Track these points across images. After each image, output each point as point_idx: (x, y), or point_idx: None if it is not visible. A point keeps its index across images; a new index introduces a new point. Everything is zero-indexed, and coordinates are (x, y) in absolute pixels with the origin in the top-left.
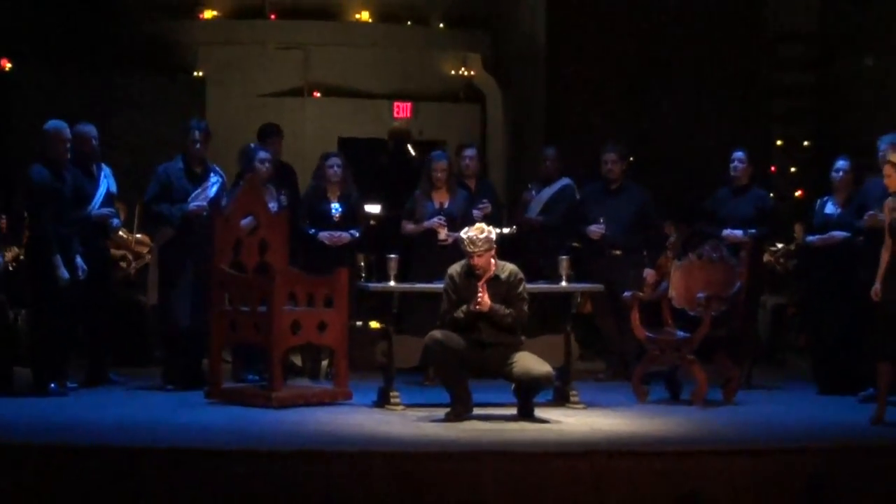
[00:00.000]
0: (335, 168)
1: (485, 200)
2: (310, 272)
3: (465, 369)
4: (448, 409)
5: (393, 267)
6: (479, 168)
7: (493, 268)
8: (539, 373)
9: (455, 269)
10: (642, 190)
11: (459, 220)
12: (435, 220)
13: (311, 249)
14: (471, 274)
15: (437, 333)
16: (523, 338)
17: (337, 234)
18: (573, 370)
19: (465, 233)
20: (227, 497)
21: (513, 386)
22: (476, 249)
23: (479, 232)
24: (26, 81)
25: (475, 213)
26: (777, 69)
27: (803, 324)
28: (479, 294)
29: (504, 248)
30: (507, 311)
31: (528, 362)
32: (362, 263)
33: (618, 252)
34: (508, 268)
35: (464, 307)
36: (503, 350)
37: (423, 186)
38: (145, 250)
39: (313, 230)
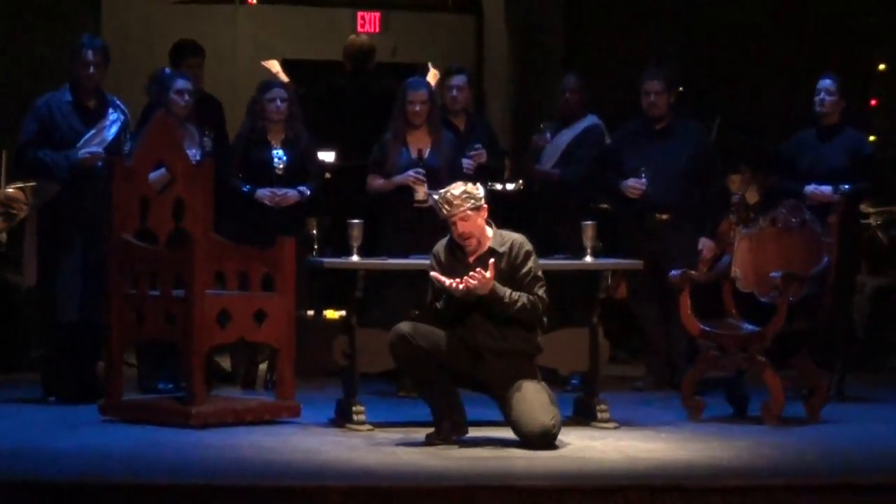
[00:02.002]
0: (278, 102)
1: (478, 145)
2: (243, 243)
3: (449, 374)
4: (432, 430)
5: (356, 236)
6: (473, 101)
7: (488, 239)
8: (531, 428)
9: (440, 246)
10: (697, 130)
11: (445, 172)
12: (411, 173)
13: (246, 213)
14: (458, 250)
15: (404, 326)
16: (540, 339)
17: (281, 191)
18: (601, 376)
19: (439, 196)
20: None
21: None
22: (455, 211)
23: (456, 187)
24: None
25: (465, 163)
26: None
27: None
28: (455, 283)
29: (507, 211)
30: (517, 295)
31: (526, 406)
32: (315, 231)
33: (663, 216)
34: (510, 238)
35: (447, 297)
36: (505, 363)
37: (396, 127)
38: (22, 211)
39: (248, 186)
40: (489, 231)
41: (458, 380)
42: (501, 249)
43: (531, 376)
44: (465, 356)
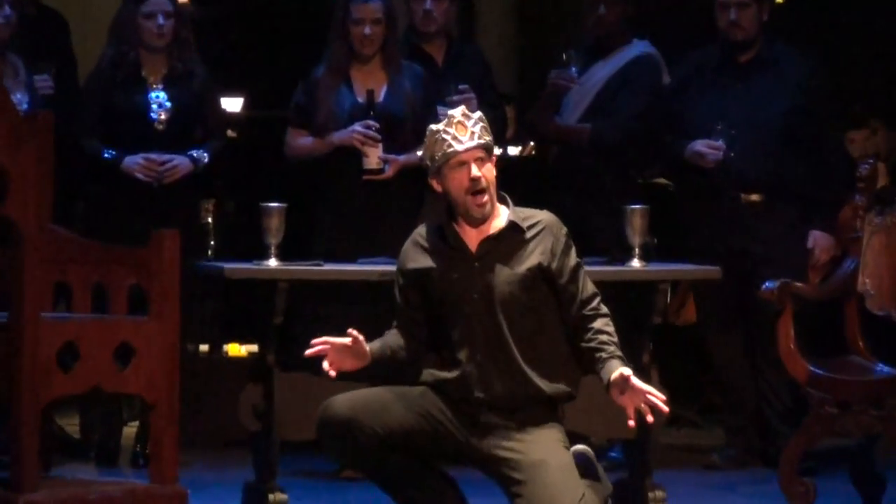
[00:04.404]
0: (160, 19)
1: (464, 86)
2: (101, 238)
3: (429, 451)
4: None
5: (274, 228)
6: (457, 21)
7: (496, 209)
8: None
9: (412, 244)
10: (804, 63)
11: (410, 125)
12: (357, 127)
13: (107, 191)
14: (451, 234)
15: (339, 406)
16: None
17: (163, 159)
18: (656, 446)
19: (444, 121)
20: None
21: None
22: (472, 144)
23: (466, 116)
24: None
25: (442, 112)
26: None
27: None
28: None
29: (509, 188)
30: (607, 337)
31: (543, 490)
32: (210, 219)
33: (753, 196)
34: (533, 215)
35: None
36: (523, 420)
37: (334, 57)
38: None
39: (111, 152)
40: (506, 203)
41: (443, 455)
42: (529, 230)
43: (555, 439)
44: (458, 422)
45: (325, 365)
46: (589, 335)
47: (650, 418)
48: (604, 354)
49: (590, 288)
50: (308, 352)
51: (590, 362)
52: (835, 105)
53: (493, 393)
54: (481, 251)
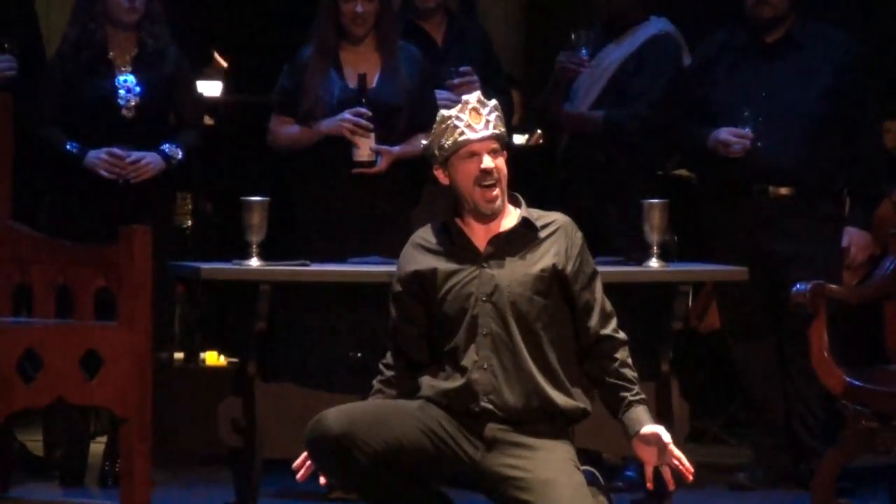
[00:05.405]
0: None
1: (466, 68)
2: (66, 236)
3: (428, 470)
4: None
5: (256, 224)
6: None
7: (507, 207)
8: None
9: (413, 247)
10: (839, 44)
11: (404, 113)
12: (347, 115)
13: (72, 185)
14: (456, 233)
15: (333, 421)
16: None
17: (132, 156)
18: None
19: (457, 107)
20: None
21: None
22: (487, 133)
23: (481, 103)
24: None
25: (443, 97)
26: None
27: None
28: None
29: (515, 180)
30: (629, 371)
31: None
32: (186, 215)
33: (782, 190)
34: (546, 215)
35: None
36: (536, 436)
37: (322, 39)
38: None
39: (74, 145)
40: (518, 202)
41: (444, 474)
42: (543, 229)
43: (566, 457)
44: (461, 437)
45: (321, 480)
46: (612, 366)
47: (672, 486)
48: (629, 396)
49: (608, 304)
50: (299, 476)
51: (609, 398)
52: (872, 90)
53: (501, 403)
54: (490, 250)
